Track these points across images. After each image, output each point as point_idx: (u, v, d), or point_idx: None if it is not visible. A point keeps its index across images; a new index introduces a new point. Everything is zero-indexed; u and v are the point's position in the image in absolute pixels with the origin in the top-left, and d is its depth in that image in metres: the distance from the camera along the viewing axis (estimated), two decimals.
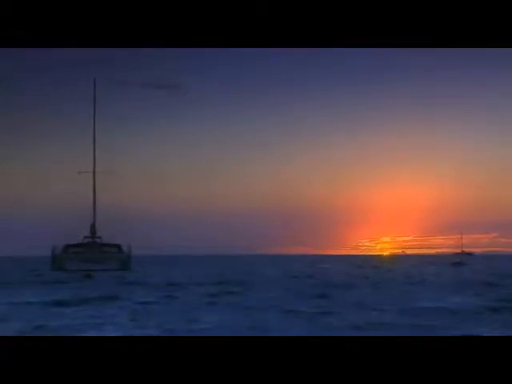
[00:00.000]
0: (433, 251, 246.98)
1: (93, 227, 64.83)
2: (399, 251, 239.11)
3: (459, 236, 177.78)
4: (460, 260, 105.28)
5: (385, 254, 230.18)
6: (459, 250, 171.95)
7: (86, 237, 64.09)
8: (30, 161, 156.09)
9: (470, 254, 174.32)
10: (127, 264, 61.23)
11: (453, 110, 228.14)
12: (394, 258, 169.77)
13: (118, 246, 62.91)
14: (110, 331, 16.18)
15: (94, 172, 67.14)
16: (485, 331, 16.09)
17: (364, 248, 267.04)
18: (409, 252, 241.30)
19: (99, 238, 64.32)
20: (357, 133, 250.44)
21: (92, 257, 61.18)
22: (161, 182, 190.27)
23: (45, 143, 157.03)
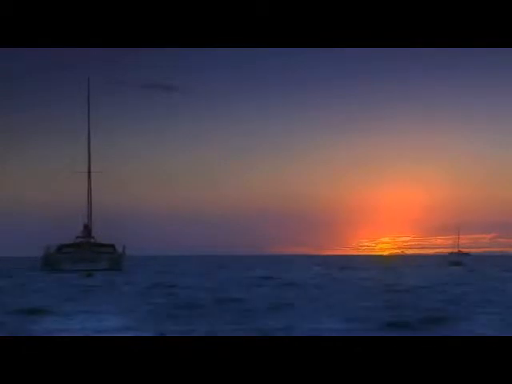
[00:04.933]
0: (432, 251, 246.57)
1: (86, 227, 64.61)
2: (399, 251, 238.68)
3: (457, 236, 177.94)
4: (458, 260, 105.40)
5: (384, 254, 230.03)
6: (456, 250, 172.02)
7: (78, 237, 63.87)
8: (28, 161, 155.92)
9: (467, 254, 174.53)
10: (119, 264, 60.98)
11: (453, 110, 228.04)
12: (390, 258, 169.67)
13: (112, 246, 62.74)
14: None
15: (89, 172, 67.00)
16: None
17: (364, 248, 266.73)
18: (408, 252, 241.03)
19: (93, 237, 64.12)
20: (357, 133, 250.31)
21: (85, 257, 60.95)
22: (160, 182, 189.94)
23: (43, 143, 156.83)
